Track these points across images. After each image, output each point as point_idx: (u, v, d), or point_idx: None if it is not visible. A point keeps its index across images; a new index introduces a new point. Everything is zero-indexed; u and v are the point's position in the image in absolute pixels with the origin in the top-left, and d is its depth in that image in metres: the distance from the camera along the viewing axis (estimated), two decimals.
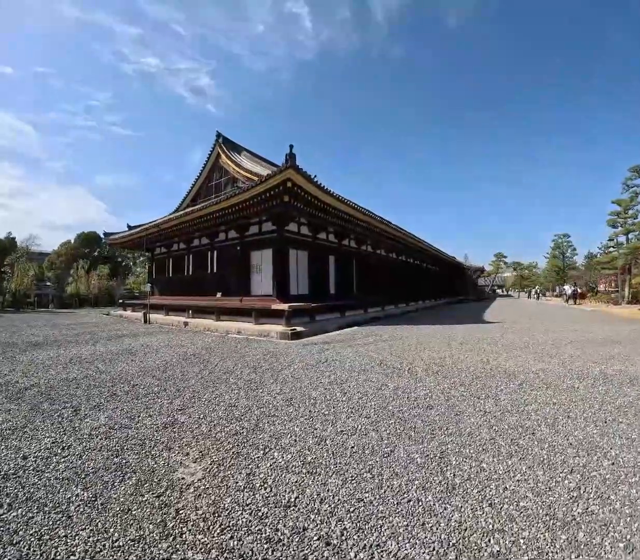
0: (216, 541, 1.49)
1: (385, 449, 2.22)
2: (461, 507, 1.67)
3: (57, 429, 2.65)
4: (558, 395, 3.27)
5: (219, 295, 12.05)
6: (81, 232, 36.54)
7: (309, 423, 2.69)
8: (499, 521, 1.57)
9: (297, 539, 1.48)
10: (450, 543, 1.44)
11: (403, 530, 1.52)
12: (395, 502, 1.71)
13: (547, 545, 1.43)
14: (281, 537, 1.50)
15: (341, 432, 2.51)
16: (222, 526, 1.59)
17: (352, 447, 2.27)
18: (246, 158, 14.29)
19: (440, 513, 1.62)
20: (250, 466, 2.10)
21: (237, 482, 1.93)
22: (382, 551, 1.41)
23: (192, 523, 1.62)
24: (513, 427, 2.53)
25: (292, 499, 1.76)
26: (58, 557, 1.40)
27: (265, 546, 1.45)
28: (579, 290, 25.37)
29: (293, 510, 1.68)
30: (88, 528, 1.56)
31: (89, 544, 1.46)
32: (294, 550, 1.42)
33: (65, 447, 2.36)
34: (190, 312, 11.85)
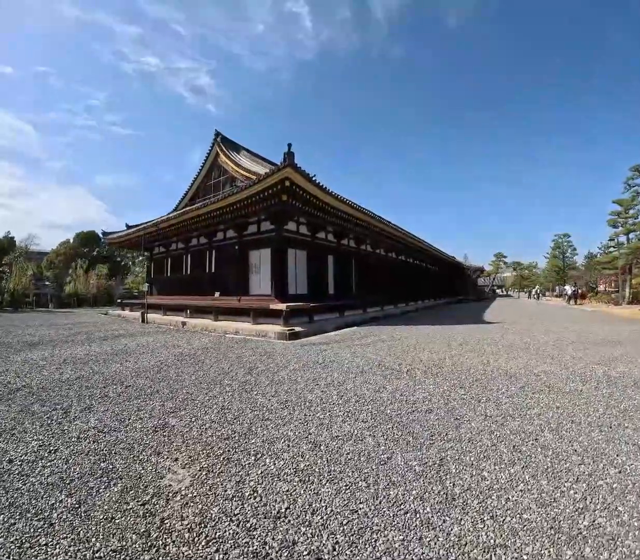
0: (200, 554, 1.41)
1: (382, 456, 2.13)
2: (461, 519, 1.57)
3: (45, 432, 2.59)
4: (561, 399, 3.18)
5: (217, 295, 11.96)
6: (80, 231, 36.47)
7: (303, 427, 2.60)
8: (501, 535, 1.48)
9: (285, 554, 1.39)
10: None
11: (399, 546, 1.43)
12: (391, 514, 1.61)
13: None
14: (269, 552, 1.41)
15: (336, 437, 2.41)
16: (208, 538, 1.51)
17: (348, 453, 2.18)
18: (245, 157, 14.19)
19: (439, 526, 1.53)
20: (240, 473, 2.01)
21: (225, 491, 1.85)
22: None
23: (177, 534, 1.54)
24: (515, 433, 2.44)
25: (283, 510, 1.67)
26: None
27: None
28: (579, 291, 25.27)
29: (283, 522, 1.59)
30: (70, 537, 1.50)
31: (69, 553, 1.40)
32: None
33: (53, 451, 2.30)
34: (188, 311, 11.77)
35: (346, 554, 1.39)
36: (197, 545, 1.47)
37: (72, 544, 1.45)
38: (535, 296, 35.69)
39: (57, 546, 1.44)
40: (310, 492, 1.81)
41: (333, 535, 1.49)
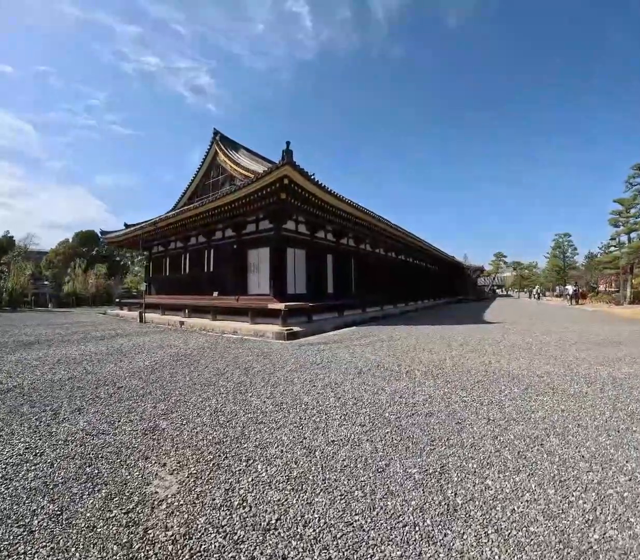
0: None
1: (380, 463, 2.02)
2: (463, 533, 1.47)
3: (33, 434, 2.53)
4: (566, 401, 3.07)
5: (215, 294, 11.85)
6: (79, 231, 36.35)
7: (298, 431, 2.49)
8: (507, 551, 1.37)
9: None
10: None
11: None
12: (388, 527, 1.51)
13: None
14: None
15: (332, 442, 2.31)
16: (192, 551, 1.41)
17: (343, 459, 2.07)
18: (244, 156, 14.09)
19: (440, 541, 1.43)
20: (230, 480, 1.91)
21: (213, 499, 1.75)
22: None
23: (159, 546, 1.44)
24: (519, 438, 2.33)
25: (273, 521, 1.57)
26: None
27: None
28: (579, 291, 25.15)
29: (273, 534, 1.49)
30: (49, 546, 1.43)
31: None
32: None
33: (38, 454, 2.23)
34: (186, 311, 11.67)
35: None
36: (180, 559, 1.37)
37: (51, 553, 1.40)
38: (536, 296, 35.55)
39: (36, 555, 1.38)
40: (302, 502, 1.70)
41: (326, 551, 1.39)
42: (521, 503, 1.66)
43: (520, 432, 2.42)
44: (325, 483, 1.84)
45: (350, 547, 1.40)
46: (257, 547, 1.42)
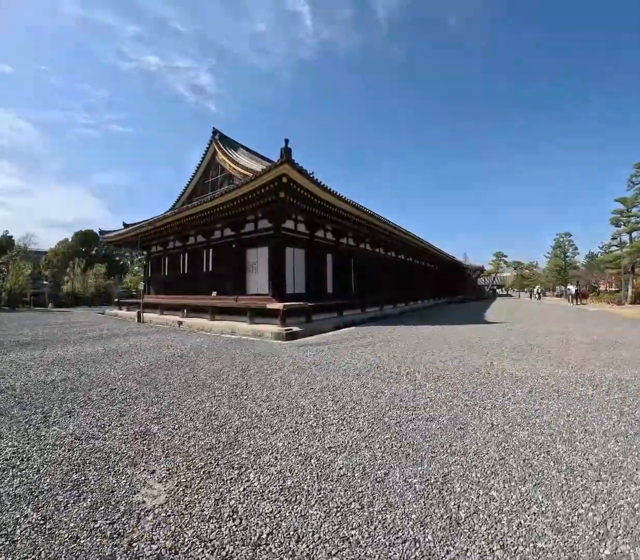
0: None
1: (379, 472, 1.92)
2: (467, 550, 1.37)
3: (21, 438, 2.46)
4: (571, 405, 2.97)
5: (214, 294, 11.76)
6: (79, 230, 36.24)
7: (294, 437, 2.39)
8: None
9: None
10: None
11: None
12: (387, 543, 1.41)
13: None
14: None
15: (329, 448, 2.21)
16: None
17: (340, 468, 1.97)
18: (243, 155, 13.98)
19: (442, 559, 1.33)
20: (220, 490, 1.82)
21: (202, 511, 1.66)
22: None
23: None
24: (525, 444, 2.23)
25: (264, 535, 1.47)
26: None
27: None
28: (580, 290, 25.02)
29: (263, 550, 1.39)
30: (30, 557, 1.37)
31: None
32: None
33: (25, 459, 2.16)
34: (185, 311, 11.58)
35: None
36: None
37: None
38: (537, 296, 35.39)
39: None
40: (296, 514, 1.61)
41: None
42: (528, 516, 1.57)
43: (526, 438, 2.32)
44: (320, 494, 1.74)
45: None
46: None
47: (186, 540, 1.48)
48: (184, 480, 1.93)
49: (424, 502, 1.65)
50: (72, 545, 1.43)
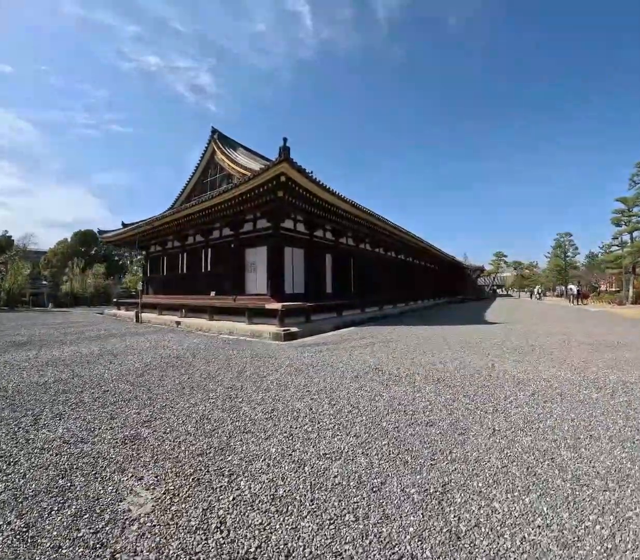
0: None
1: (375, 480, 1.83)
2: None
3: (9, 441, 2.41)
4: (576, 409, 2.87)
5: (212, 294, 11.68)
6: (78, 230, 36.16)
7: (287, 442, 2.31)
8: None
9: None
10: None
11: None
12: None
13: None
14: None
15: (324, 455, 2.12)
16: None
17: (335, 476, 1.88)
18: (242, 154, 13.88)
19: None
20: (209, 499, 1.74)
21: (189, 521, 1.58)
22: None
23: None
24: (528, 451, 2.14)
25: (252, 549, 1.39)
26: None
27: None
28: (581, 291, 24.90)
29: None
30: None
31: None
32: None
33: (12, 463, 2.11)
34: (183, 311, 11.50)
35: None
36: None
37: None
38: (537, 296, 35.25)
39: None
40: (287, 526, 1.52)
41: None
42: (532, 529, 1.48)
43: (529, 444, 2.23)
44: (313, 504, 1.66)
45: None
46: None
47: (171, 552, 1.40)
48: (172, 487, 1.85)
49: (422, 513, 1.57)
50: (54, 555, 1.39)
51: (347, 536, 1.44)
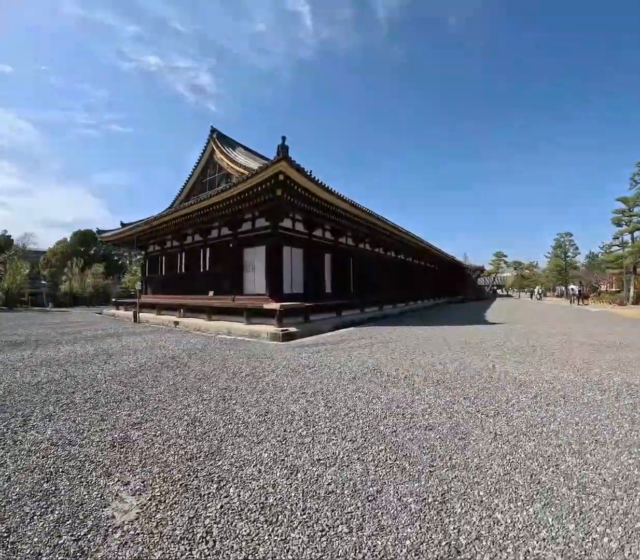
0: None
1: (371, 489, 1.74)
2: None
3: None
4: (580, 412, 2.78)
5: (211, 294, 11.60)
6: (77, 230, 36.05)
7: (280, 447, 2.22)
8: None
9: None
10: None
11: None
12: None
13: None
14: None
15: (318, 461, 2.03)
16: None
17: (329, 484, 1.79)
18: (241, 154, 13.80)
19: None
20: (196, 506, 1.66)
21: (174, 530, 1.50)
22: None
23: None
24: (531, 457, 2.05)
25: None
26: None
27: None
28: (583, 291, 24.79)
29: None
30: None
31: None
32: None
33: None
34: (181, 311, 11.42)
35: None
36: None
37: None
38: (537, 296, 35.13)
39: None
40: (276, 537, 1.43)
41: None
42: (537, 542, 1.39)
43: (532, 449, 2.13)
44: (305, 514, 1.57)
45: None
46: None
47: None
48: (158, 493, 1.78)
49: (419, 525, 1.48)
50: None
51: (339, 549, 1.36)
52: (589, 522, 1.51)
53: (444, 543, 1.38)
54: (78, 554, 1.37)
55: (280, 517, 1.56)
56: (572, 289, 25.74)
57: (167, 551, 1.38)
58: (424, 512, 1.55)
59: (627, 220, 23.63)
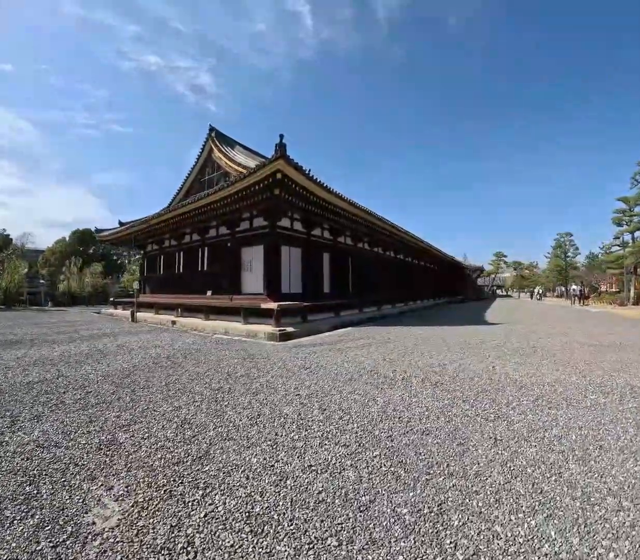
0: None
1: (363, 498, 1.65)
2: None
3: None
4: (583, 416, 2.68)
5: (209, 293, 11.51)
6: (76, 229, 35.94)
7: (271, 452, 2.13)
8: None
9: None
10: None
11: None
12: None
13: None
14: None
15: (309, 467, 1.94)
16: None
17: (319, 492, 1.70)
18: (239, 152, 13.71)
19: None
20: (179, 514, 1.58)
21: (155, 539, 1.43)
22: None
23: None
24: (533, 464, 1.95)
25: None
26: None
27: None
28: (584, 291, 24.67)
29: None
30: None
31: None
32: None
33: None
34: (179, 310, 11.34)
35: None
36: None
37: None
38: (537, 296, 35.01)
39: None
40: (260, 550, 1.35)
41: None
42: (539, 559, 1.30)
43: (534, 456, 2.04)
44: (292, 525, 1.48)
45: None
46: None
47: None
48: (141, 499, 1.70)
49: (414, 538, 1.38)
50: None
51: None
52: (594, 535, 1.42)
53: (439, 559, 1.28)
54: None
55: (266, 527, 1.47)
56: (574, 289, 25.58)
57: None
58: (419, 525, 1.46)
59: (628, 220, 23.52)
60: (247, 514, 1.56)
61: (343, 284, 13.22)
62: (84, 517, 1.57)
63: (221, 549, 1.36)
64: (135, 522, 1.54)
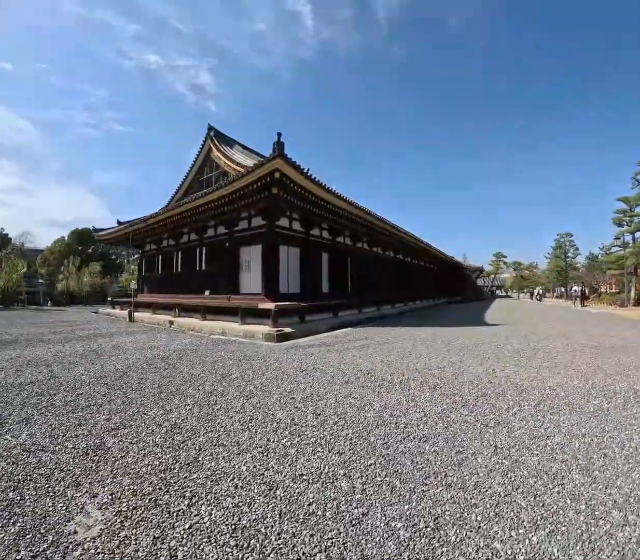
0: None
1: (356, 510, 1.57)
2: None
3: None
4: (586, 422, 2.60)
5: (207, 293, 11.43)
6: (75, 228, 35.83)
7: (261, 459, 2.05)
8: None
9: None
10: None
11: None
12: None
13: None
14: None
15: (300, 476, 1.85)
16: None
17: (310, 503, 1.62)
18: (238, 152, 13.63)
19: None
20: (163, 525, 1.52)
21: (137, 551, 1.37)
22: None
23: None
24: (535, 474, 1.86)
25: None
26: None
27: None
28: (585, 292, 24.54)
29: None
30: None
31: None
32: None
33: None
34: (176, 310, 11.26)
35: None
36: None
37: None
38: (537, 297, 34.90)
39: None
40: None
41: None
42: None
43: (536, 465, 1.95)
44: (280, 539, 1.40)
45: None
46: None
47: None
48: (125, 508, 1.64)
49: (408, 556, 1.30)
50: None
51: None
52: (598, 552, 1.34)
53: None
54: None
55: (252, 541, 1.39)
56: (574, 290, 25.42)
57: None
58: (414, 541, 1.37)
59: (628, 221, 23.41)
60: (233, 526, 1.48)
61: (342, 284, 13.14)
62: (66, 525, 1.52)
63: None
64: (117, 532, 1.48)
